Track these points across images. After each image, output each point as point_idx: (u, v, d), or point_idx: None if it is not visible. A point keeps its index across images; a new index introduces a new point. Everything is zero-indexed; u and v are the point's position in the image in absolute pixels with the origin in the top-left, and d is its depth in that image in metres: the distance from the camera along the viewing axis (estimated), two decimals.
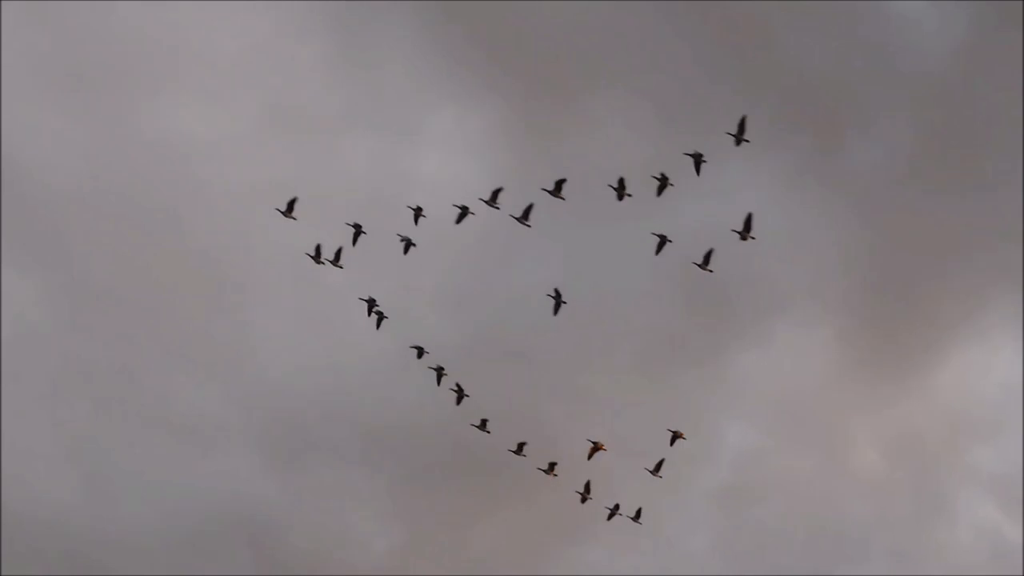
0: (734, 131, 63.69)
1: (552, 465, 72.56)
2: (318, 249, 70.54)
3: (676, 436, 72.18)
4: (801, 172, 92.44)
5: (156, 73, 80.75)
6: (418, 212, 68.39)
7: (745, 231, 65.54)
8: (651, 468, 73.56)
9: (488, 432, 72.96)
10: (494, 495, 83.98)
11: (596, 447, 72.14)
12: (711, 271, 67.66)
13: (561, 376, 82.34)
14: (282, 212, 68.68)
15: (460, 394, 72.69)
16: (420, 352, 72.63)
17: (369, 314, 71.80)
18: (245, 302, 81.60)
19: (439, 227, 76.85)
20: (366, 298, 71.55)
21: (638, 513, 73.86)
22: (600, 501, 73.08)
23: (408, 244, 68.63)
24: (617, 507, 73.57)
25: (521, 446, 72.57)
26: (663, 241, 66.51)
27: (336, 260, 70.54)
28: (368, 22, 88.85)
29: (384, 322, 71.53)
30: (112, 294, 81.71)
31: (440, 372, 72.26)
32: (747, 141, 64.49)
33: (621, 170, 73.72)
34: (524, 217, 67.14)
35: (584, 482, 72.25)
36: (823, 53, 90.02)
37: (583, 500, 72.56)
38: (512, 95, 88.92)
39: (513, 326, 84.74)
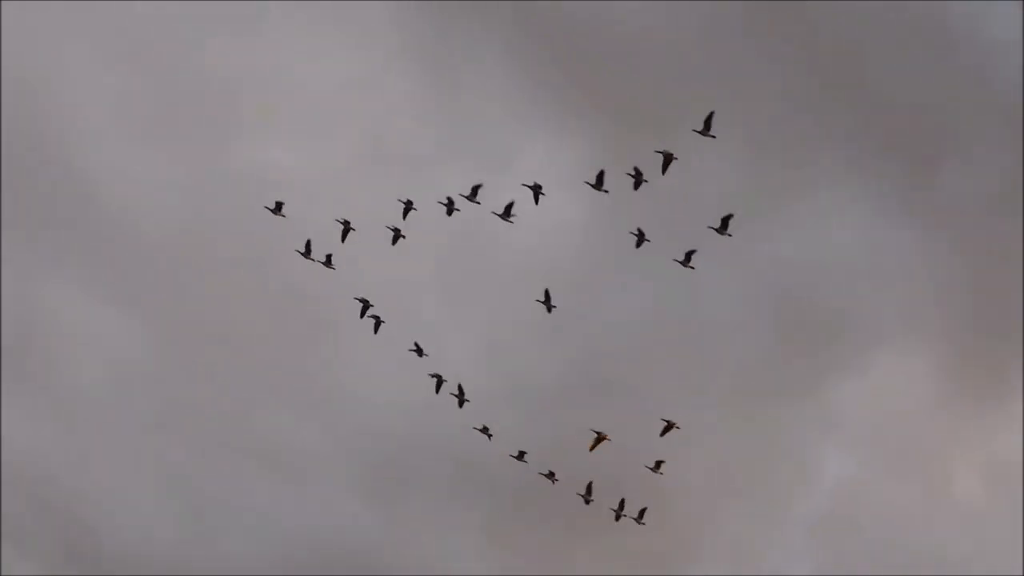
0: (701, 128, 63.94)
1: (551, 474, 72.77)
2: (308, 245, 71.04)
3: (669, 426, 71.57)
4: (899, 203, 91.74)
5: (251, 110, 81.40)
6: (408, 206, 68.65)
7: (722, 228, 65.44)
8: (651, 466, 73.15)
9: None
10: (588, 528, 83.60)
11: (600, 437, 71.84)
12: (692, 267, 67.37)
13: (658, 408, 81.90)
14: (271, 210, 69.14)
15: (461, 398, 72.76)
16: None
17: (362, 316, 72.20)
18: (341, 338, 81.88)
19: (532, 260, 77.03)
20: (359, 298, 72.03)
21: (641, 513, 73.26)
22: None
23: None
24: (622, 505, 73.31)
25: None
26: (641, 237, 66.81)
27: (328, 262, 71.06)
28: (462, 56, 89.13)
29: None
30: (211, 332, 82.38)
31: (449, 388, 72.80)
32: (713, 137, 64.71)
33: (715, 205, 73.59)
34: (506, 214, 67.32)
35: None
36: (919, 83, 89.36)
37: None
38: (604, 128, 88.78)
39: (607, 360, 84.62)
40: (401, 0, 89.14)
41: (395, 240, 70.43)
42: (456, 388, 72.77)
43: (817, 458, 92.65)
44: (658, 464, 73.17)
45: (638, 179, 65.84)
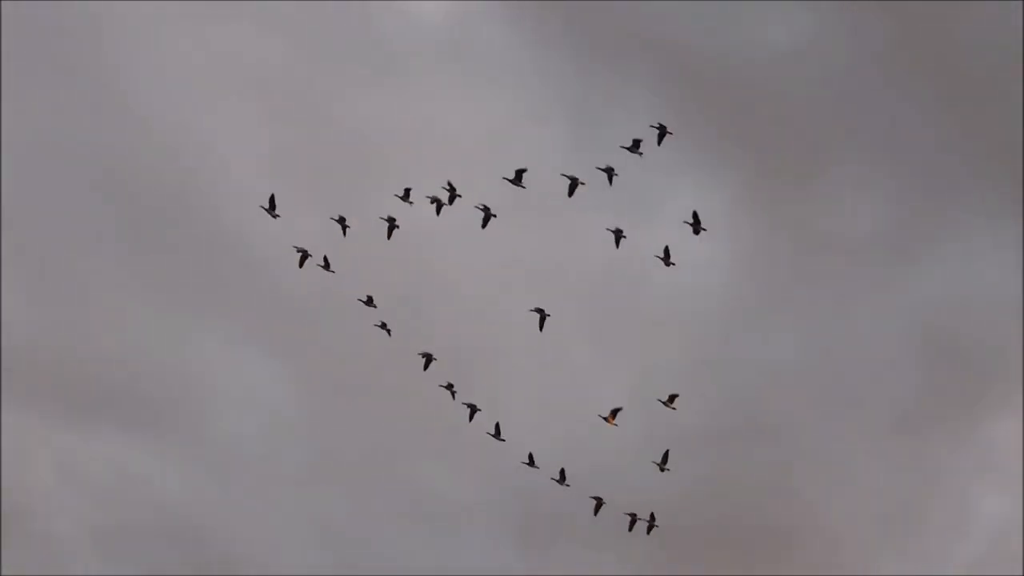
0: (657, 125, 64.15)
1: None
2: (304, 253, 71.30)
3: (670, 400, 70.62)
4: None
5: (394, 161, 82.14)
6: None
7: (695, 224, 64.46)
8: (659, 461, 72.18)
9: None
10: (745, 565, 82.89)
11: (609, 421, 71.06)
12: (673, 264, 66.69)
13: (812, 446, 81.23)
14: (266, 209, 69.41)
15: (473, 410, 72.60)
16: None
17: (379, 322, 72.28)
18: (492, 386, 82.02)
19: (680, 301, 76.79)
20: (363, 298, 72.11)
21: (652, 518, 72.73)
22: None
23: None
24: (635, 516, 72.35)
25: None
26: (619, 235, 66.42)
27: (327, 266, 71.27)
28: (604, 103, 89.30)
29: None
30: (362, 383, 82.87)
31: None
32: (670, 133, 64.43)
33: (862, 241, 72.97)
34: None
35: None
36: None
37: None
38: (749, 171, 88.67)
39: (761, 397, 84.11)
40: (544, 48, 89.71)
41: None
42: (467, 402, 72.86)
43: (975, 499, 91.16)
44: (664, 457, 72.46)
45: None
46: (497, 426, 73.17)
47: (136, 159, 75.78)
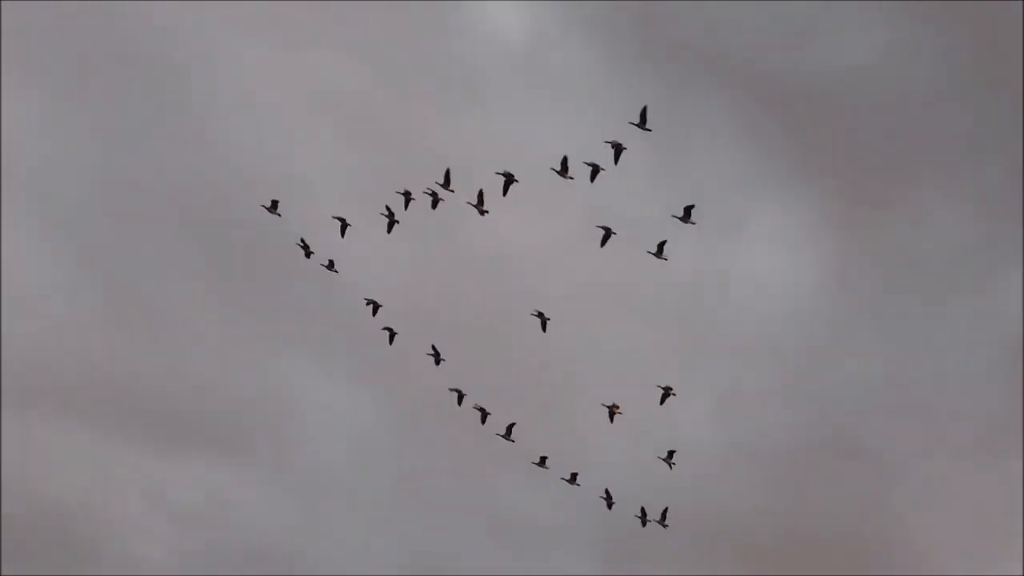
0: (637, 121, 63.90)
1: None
2: (306, 244, 71.24)
3: (667, 393, 70.15)
4: None
5: (477, 182, 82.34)
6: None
7: (686, 217, 64.81)
8: (664, 457, 71.78)
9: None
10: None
11: (613, 411, 70.65)
12: (665, 259, 66.67)
13: (901, 462, 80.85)
14: (267, 208, 69.48)
15: (484, 414, 72.61)
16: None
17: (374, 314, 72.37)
18: (576, 405, 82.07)
19: (765, 321, 76.61)
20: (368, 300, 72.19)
21: (664, 514, 72.63)
22: None
23: None
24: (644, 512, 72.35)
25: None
26: (607, 233, 66.21)
27: (331, 266, 71.25)
28: (686, 121, 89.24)
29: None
30: (447, 405, 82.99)
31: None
32: (649, 130, 64.13)
33: (949, 258, 72.59)
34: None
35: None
36: None
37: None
38: (833, 188, 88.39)
39: (848, 414, 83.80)
40: (623, 67, 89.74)
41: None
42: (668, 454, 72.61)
43: None
44: (670, 454, 72.22)
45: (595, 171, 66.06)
46: (510, 428, 73.08)
47: (222, 190, 76.24)
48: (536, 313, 70.85)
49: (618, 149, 65.24)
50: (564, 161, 67.03)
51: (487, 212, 68.39)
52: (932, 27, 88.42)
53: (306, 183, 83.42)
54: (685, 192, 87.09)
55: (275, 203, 71.12)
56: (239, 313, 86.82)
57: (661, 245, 67.27)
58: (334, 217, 71.22)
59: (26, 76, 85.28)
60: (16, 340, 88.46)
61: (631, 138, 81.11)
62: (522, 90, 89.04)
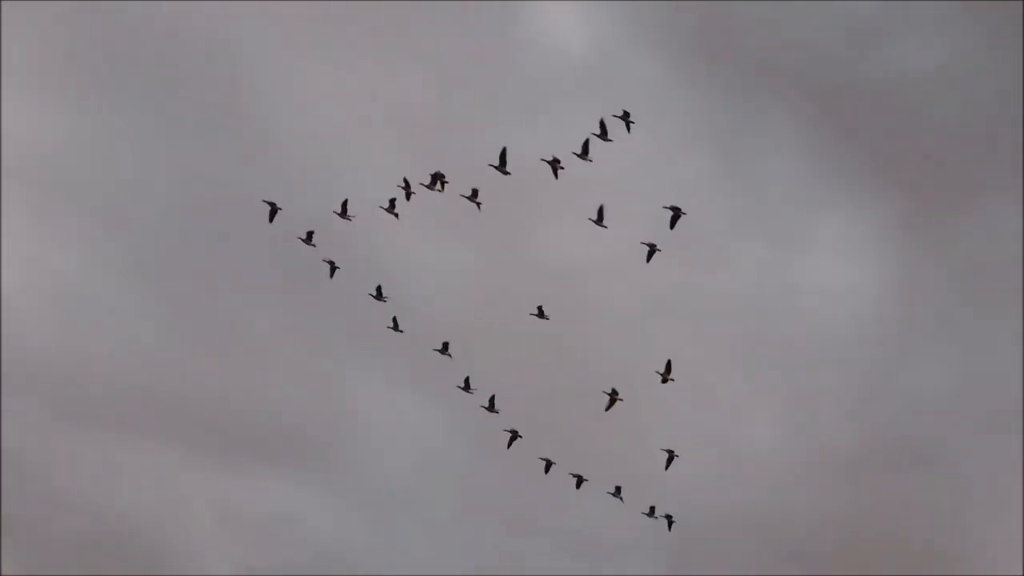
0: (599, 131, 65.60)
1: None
2: (310, 235, 71.06)
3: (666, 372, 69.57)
4: None
5: (541, 196, 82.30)
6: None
7: (675, 211, 65.00)
8: (666, 450, 71.43)
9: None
10: None
11: (614, 398, 70.08)
12: (659, 250, 66.32)
13: (969, 471, 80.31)
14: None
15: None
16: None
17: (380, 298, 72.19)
18: (644, 416, 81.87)
19: (835, 326, 76.24)
20: (373, 293, 71.98)
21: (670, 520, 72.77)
22: None
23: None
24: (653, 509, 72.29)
25: None
26: (652, 250, 65.75)
27: (333, 264, 71.08)
28: (750, 130, 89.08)
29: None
30: (515, 417, 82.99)
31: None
32: (634, 122, 64.22)
33: (1016, 265, 72.13)
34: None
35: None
36: None
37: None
38: (900, 197, 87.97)
39: (917, 423, 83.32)
40: (687, 80, 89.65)
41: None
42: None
43: None
44: (670, 457, 71.82)
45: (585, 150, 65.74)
46: (579, 481, 72.94)
47: (289, 206, 76.36)
48: (537, 312, 70.85)
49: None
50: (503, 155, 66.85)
51: (480, 204, 68.29)
52: (1000, 33, 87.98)
53: (371, 198, 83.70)
54: (749, 203, 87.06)
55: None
56: (306, 327, 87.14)
57: (652, 247, 66.77)
58: (335, 212, 71.16)
59: (95, 96, 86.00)
60: (84, 357, 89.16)
61: (697, 152, 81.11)
62: (584, 101, 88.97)
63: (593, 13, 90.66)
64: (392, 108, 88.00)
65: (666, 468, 70.52)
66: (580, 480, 72.88)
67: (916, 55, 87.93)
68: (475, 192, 68.60)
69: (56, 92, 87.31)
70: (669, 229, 65.95)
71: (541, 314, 70.62)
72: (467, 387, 73.44)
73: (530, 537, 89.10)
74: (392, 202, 70.77)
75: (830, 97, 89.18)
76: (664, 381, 69.32)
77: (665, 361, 68.33)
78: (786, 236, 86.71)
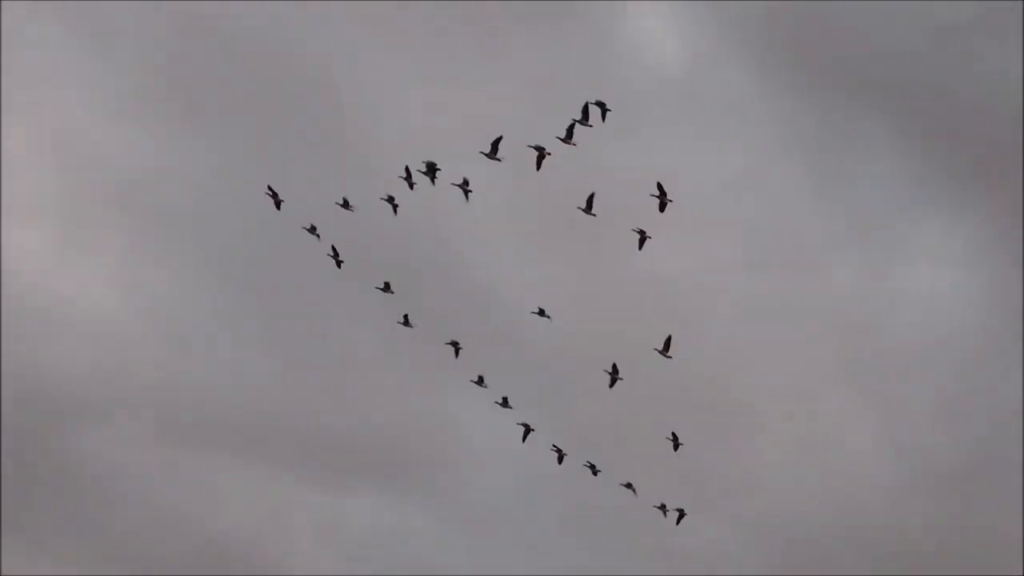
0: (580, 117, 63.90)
1: None
2: (313, 228, 71.33)
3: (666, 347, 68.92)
4: None
5: (636, 209, 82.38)
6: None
7: (661, 195, 64.14)
8: (669, 437, 71.27)
9: None
10: None
11: (614, 378, 69.60)
12: (649, 237, 65.83)
13: None
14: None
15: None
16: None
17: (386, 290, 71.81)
18: (745, 428, 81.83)
19: (933, 335, 75.87)
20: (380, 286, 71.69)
21: (680, 513, 72.84)
22: None
23: None
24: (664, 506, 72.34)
25: None
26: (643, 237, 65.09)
27: (336, 256, 71.23)
28: (845, 139, 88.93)
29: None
30: (613, 435, 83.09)
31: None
32: (610, 110, 63.99)
33: None
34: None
35: None
36: None
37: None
38: (999, 205, 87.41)
39: (1016, 437, 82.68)
40: (780, 91, 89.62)
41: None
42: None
43: None
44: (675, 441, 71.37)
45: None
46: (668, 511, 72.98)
47: (388, 226, 76.78)
48: (537, 311, 70.92)
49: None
50: (495, 143, 66.68)
51: (471, 192, 68.24)
52: None
53: (468, 216, 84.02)
54: (847, 213, 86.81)
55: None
56: (408, 345, 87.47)
57: (642, 233, 66.26)
58: (337, 202, 71.40)
59: (192, 122, 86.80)
60: (185, 379, 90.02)
61: (790, 162, 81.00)
62: (677, 115, 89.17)
63: (687, 27, 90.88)
64: (490, 128, 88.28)
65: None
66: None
67: (1016, 62, 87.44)
68: (466, 181, 68.63)
69: (154, 119, 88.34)
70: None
71: (542, 313, 70.82)
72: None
73: (629, 556, 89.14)
74: (393, 200, 70.78)
75: (926, 105, 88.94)
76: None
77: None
78: (883, 245, 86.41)
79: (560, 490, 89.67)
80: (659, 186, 64.20)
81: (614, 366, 69.58)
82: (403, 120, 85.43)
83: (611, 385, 70.22)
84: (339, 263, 71.74)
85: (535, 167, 66.49)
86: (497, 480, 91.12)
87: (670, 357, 69.48)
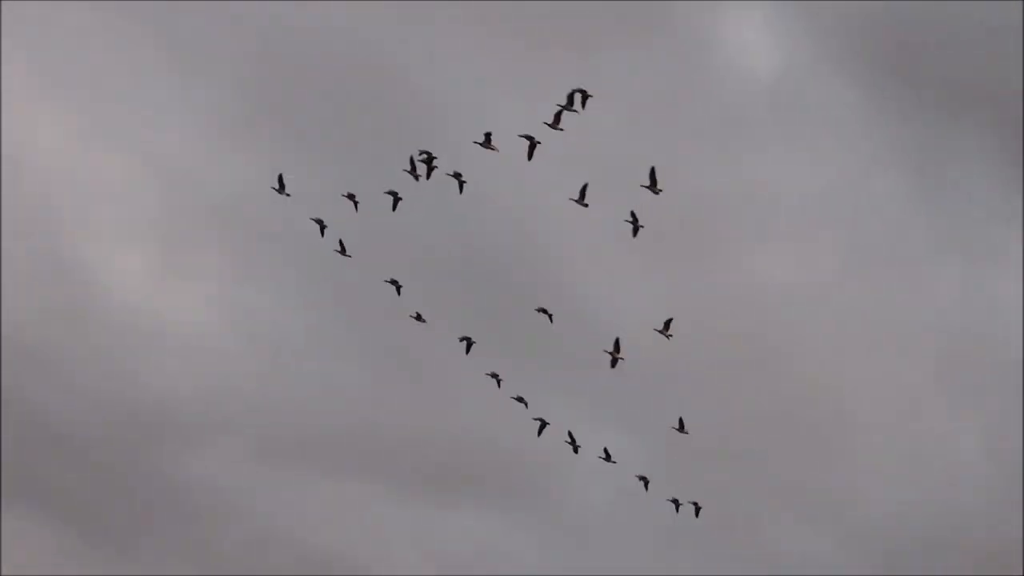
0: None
1: None
2: (320, 223, 71.06)
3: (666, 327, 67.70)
4: None
5: (735, 220, 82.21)
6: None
7: (652, 185, 63.04)
8: (676, 426, 71.32)
9: None
10: None
11: (615, 356, 68.34)
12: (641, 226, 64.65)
13: None
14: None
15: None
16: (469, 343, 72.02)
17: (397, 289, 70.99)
18: (847, 439, 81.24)
19: None
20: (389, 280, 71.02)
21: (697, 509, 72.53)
22: None
23: None
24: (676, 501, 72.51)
25: None
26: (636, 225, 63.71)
27: (343, 250, 71.61)
28: (946, 147, 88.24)
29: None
30: (715, 446, 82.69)
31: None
32: (591, 96, 62.66)
33: None
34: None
35: None
36: None
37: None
38: None
39: None
40: (877, 99, 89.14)
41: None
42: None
43: None
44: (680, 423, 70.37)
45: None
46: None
47: (490, 241, 77.11)
48: (540, 309, 70.59)
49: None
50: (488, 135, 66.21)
51: (465, 184, 67.87)
52: None
53: (561, 231, 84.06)
54: (948, 220, 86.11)
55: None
56: (506, 360, 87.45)
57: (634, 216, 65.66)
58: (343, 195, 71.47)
59: (292, 140, 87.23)
60: (285, 396, 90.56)
61: (888, 171, 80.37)
62: (774, 125, 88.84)
63: (784, 38, 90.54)
64: (585, 143, 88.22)
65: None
66: None
67: None
68: (458, 175, 68.52)
69: (251, 139, 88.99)
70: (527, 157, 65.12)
71: (544, 311, 70.65)
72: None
73: (731, 567, 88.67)
74: (395, 194, 70.68)
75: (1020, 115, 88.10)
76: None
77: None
78: (986, 253, 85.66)
79: (660, 502, 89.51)
80: (651, 172, 63.72)
81: (616, 343, 69.10)
82: (500, 132, 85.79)
83: (612, 365, 69.84)
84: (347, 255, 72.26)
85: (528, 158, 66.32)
86: (599, 493, 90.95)
87: (670, 336, 68.90)
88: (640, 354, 75.70)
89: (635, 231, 64.88)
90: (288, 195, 72.20)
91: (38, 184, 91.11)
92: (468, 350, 72.67)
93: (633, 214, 64.29)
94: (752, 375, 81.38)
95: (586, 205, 66.39)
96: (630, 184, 70.78)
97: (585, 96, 63.83)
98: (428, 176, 68.07)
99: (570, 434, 73.42)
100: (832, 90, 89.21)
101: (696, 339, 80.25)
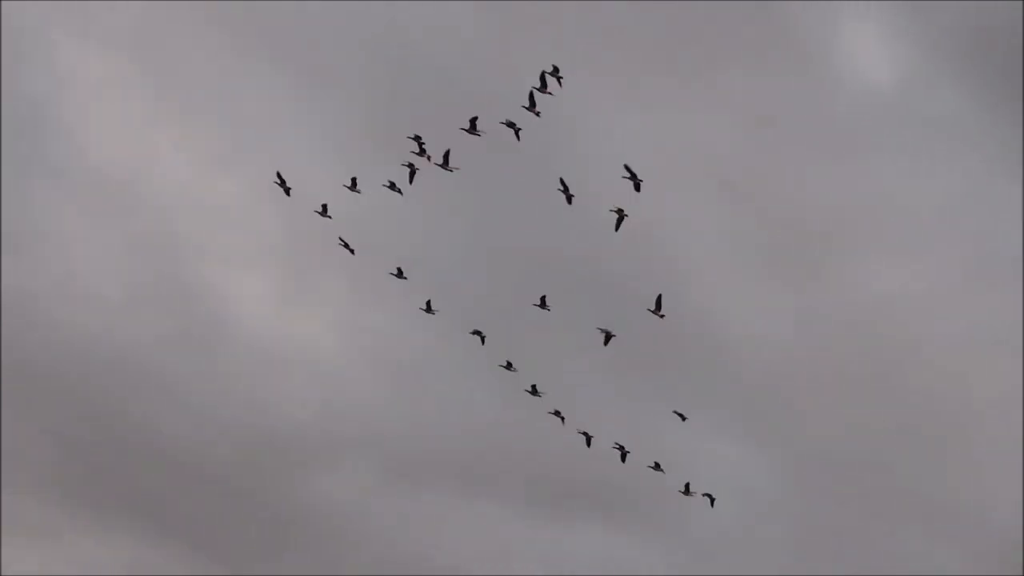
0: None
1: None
2: (324, 208, 72.22)
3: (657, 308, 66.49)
4: None
5: (855, 233, 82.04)
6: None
7: (633, 177, 63.81)
8: (678, 412, 71.53)
9: None
10: None
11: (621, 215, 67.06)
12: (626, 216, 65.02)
13: None
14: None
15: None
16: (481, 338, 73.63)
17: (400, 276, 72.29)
18: (974, 450, 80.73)
19: None
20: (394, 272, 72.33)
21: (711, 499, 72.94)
22: None
23: None
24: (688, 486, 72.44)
25: None
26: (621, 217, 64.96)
27: (346, 245, 72.96)
28: None
29: None
30: (838, 457, 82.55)
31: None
32: (563, 77, 63.76)
33: None
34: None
35: None
36: None
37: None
38: None
39: None
40: (996, 109, 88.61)
41: None
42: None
43: None
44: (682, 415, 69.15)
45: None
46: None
47: (592, 252, 77.33)
48: (539, 302, 70.39)
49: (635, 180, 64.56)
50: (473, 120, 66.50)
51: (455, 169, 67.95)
52: None
53: (678, 241, 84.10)
54: None
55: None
56: (627, 376, 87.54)
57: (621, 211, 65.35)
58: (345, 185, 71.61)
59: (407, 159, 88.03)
60: (409, 417, 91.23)
61: (1010, 181, 79.84)
62: (892, 135, 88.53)
63: (899, 49, 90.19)
64: (703, 154, 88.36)
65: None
66: None
67: None
68: (446, 159, 68.82)
69: (370, 160, 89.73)
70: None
71: (543, 304, 70.58)
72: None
73: (862, 570, 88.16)
74: (394, 185, 71.03)
75: None
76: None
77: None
78: None
79: (788, 519, 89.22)
80: (627, 167, 63.83)
81: (658, 299, 69.04)
82: (611, 147, 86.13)
83: (605, 343, 69.81)
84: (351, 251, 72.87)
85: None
86: (725, 510, 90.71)
87: (662, 316, 68.41)
88: (765, 367, 75.97)
89: (637, 187, 65.24)
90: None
91: (165, 210, 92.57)
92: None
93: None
94: (878, 386, 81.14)
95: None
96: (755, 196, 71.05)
97: (558, 76, 64.68)
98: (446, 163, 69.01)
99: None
100: (947, 101, 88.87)
101: (821, 351, 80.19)
